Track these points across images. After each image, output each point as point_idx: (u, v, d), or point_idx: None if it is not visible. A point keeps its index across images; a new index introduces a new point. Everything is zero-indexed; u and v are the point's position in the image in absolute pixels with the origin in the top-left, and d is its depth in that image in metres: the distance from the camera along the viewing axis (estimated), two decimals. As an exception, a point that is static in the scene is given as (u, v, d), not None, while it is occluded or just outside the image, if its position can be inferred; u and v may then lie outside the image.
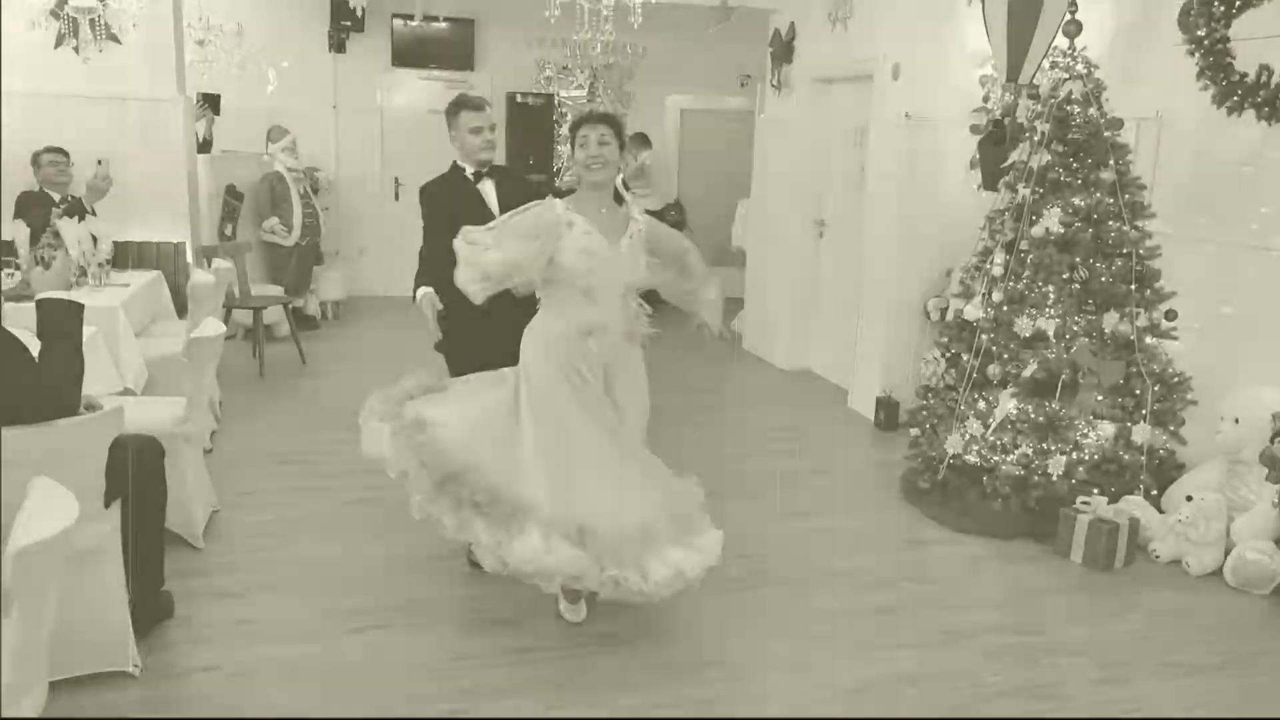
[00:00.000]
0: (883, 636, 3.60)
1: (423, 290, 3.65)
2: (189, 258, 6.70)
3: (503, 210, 3.83)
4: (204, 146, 7.87)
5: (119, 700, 2.95)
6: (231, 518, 4.37)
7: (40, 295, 3.03)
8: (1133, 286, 4.56)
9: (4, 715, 2.06)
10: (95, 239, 5.50)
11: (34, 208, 5.79)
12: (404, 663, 3.28)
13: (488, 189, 3.88)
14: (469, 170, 3.88)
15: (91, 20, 6.14)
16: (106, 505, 3.01)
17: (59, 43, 6.25)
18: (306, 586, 3.78)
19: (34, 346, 2.89)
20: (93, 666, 2.99)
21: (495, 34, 9.93)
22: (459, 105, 3.88)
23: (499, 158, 4.08)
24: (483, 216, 3.75)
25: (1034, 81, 4.77)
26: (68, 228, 5.28)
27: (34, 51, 6.19)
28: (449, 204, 3.79)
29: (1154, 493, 4.52)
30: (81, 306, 3.04)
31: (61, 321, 2.97)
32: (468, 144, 3.84)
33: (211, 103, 8.07)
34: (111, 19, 6.24)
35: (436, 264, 3.62)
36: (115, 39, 6.31)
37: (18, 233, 5.42)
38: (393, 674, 3.21)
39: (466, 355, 3.69)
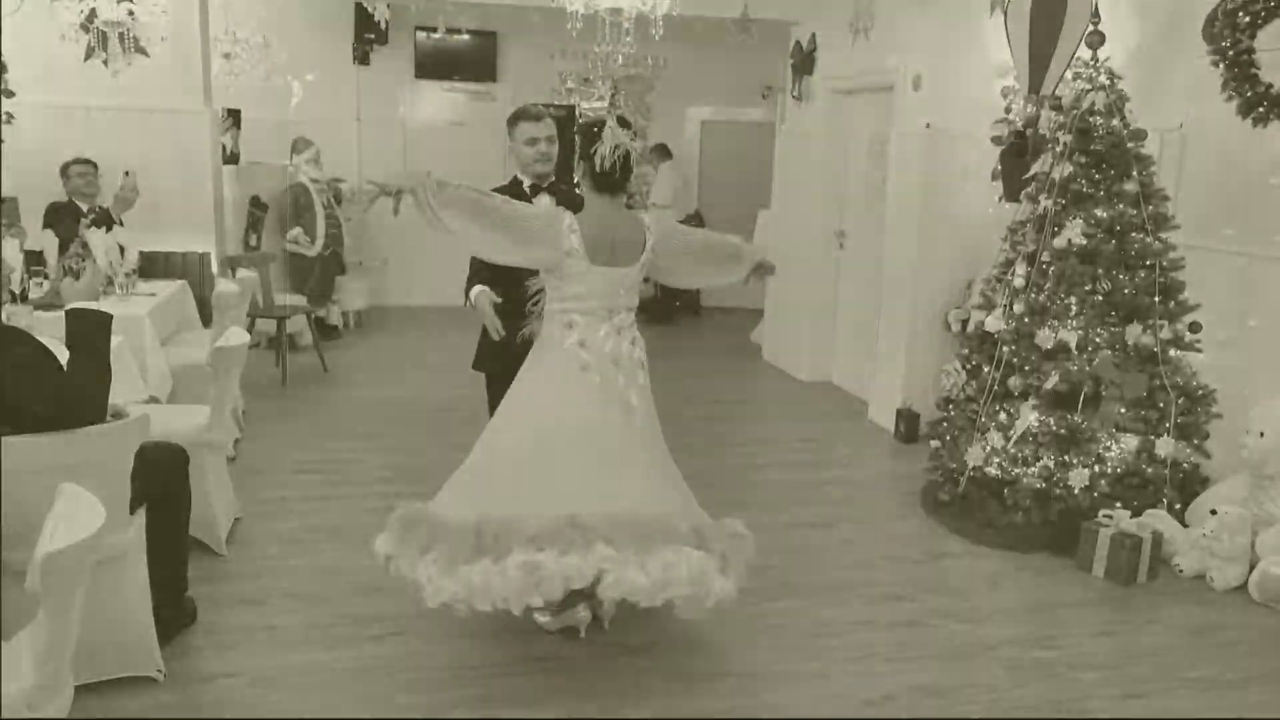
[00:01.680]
0: (903, 649, 3.58)
1: (477, 289, 3.55)
2: (214, 268, 6.77)
3: None
4: (231, 159, 7.96)
5: (143, 705, 2.98)
6: (254, 525, 4.41)
7: (70, 305, 3.07)
8: (1156, 298, 4.53)
9: (31, 718, 2.09)
10: (122, 249, 5.56)
11: (62, 218, 5.86)
12: (422, 670, 3.29)
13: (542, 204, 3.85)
14: (526, 184, 3.83)
15: (121, 34, 6.23)
16: (132, 512, 3.04)
17: (88, 55, 6.34)
18: (328, 593, 3.80)
19: (62, 355, 2.93)
20: (117, 671, 3.02)
21: (517, 46, 9.99)
22: (518, 116, 3.82)
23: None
24: None
25: (1056, 93, 4.76)
26: (96, 238, 5.35)
27: (64, 64, 6.29)
28: None
29: (1177, 507, 4.47)
30: (110, 317, 3.09)
31: (90, 332, 3.01)
32: (523, 154, 3.78)
33: (234, 118, 8.15)
34: (140, 32, 6.33)
35: (487, 269, 3.56)
36: (144, 52, 6.39)
37: (46, 243, 5.49)
38: (411, 681, 3.23)
39: (506, 372, 3.65)
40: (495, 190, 3.83)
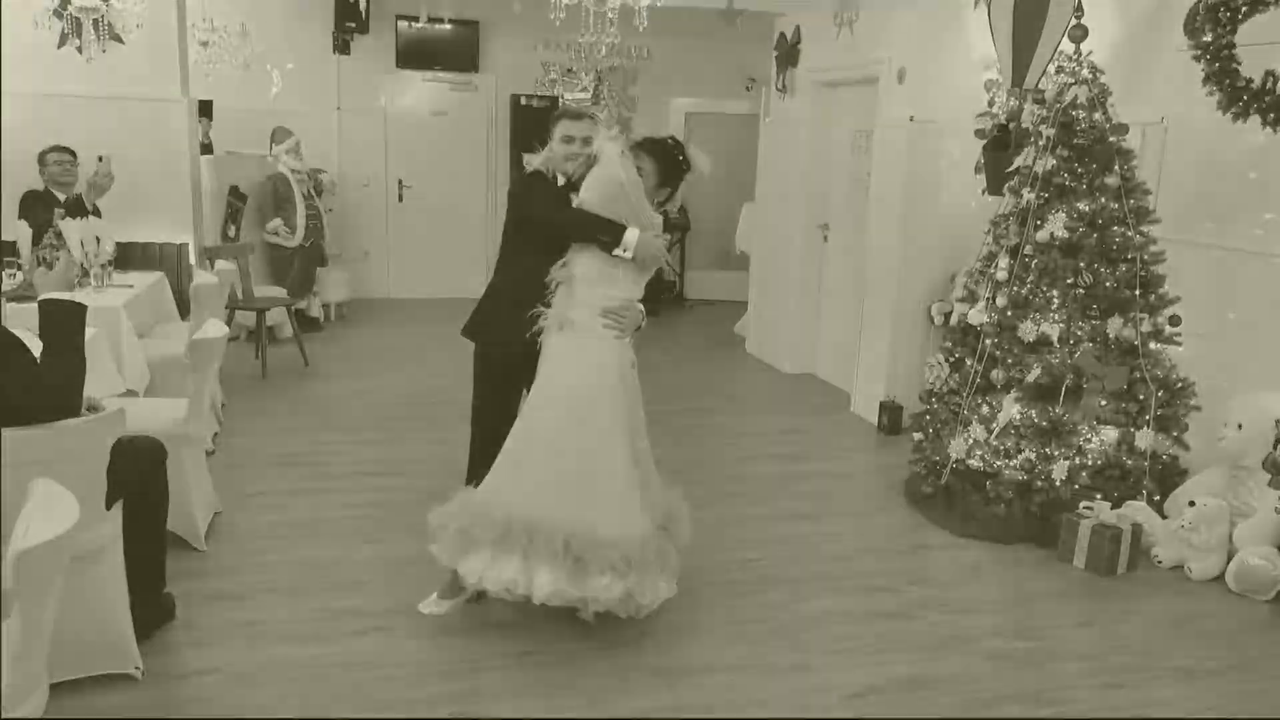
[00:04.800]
0: (886, 641, 3.59)
1: (631, 231, 3.52)
2: (192, 259, 6.70)
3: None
4: (205, 150, 7.87)
5: (120, 703, 2.95)
6: (234, 520, 4.37)
7: (43, 296, 3.02)
8: (1137, 291, 4.55)
9: (4, 717, 2.06)
10: (98, 239, 5.49)
11: (37, 207, 5.79)
12: (405, 665, 3.28)
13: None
14: (560, 181, 3.78)
15: (95, 20, 6.13)
16: (108, 507, 3.00)
17: (62, 42, 6.23)
18: (308, 588, 3.77)
19: (36, 347, 2.88)
20: (94, 669, 2.98)
21: (500, 36, 9.94)
22: (561, 114, 3.81)
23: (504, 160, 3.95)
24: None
25: (1039, 86, 4.77)
26: (70, 228, 5.27)
27: (37, 51, 6.19)
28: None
29: (1157, 498, 4.51)
30: (84, 308, 3.03)
31: (64, 323, 2.96)
32: (557, 151, 3.76)
33: (205, 109, 8.05)
34: (115, 19, 6.22)
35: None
36: (119, 39, 6.30)
37: (20, 232, 5.41)
38: (394, 676, 3.21)
39: (506, 347, 3.61)
40: (527, 177, 3.82)
